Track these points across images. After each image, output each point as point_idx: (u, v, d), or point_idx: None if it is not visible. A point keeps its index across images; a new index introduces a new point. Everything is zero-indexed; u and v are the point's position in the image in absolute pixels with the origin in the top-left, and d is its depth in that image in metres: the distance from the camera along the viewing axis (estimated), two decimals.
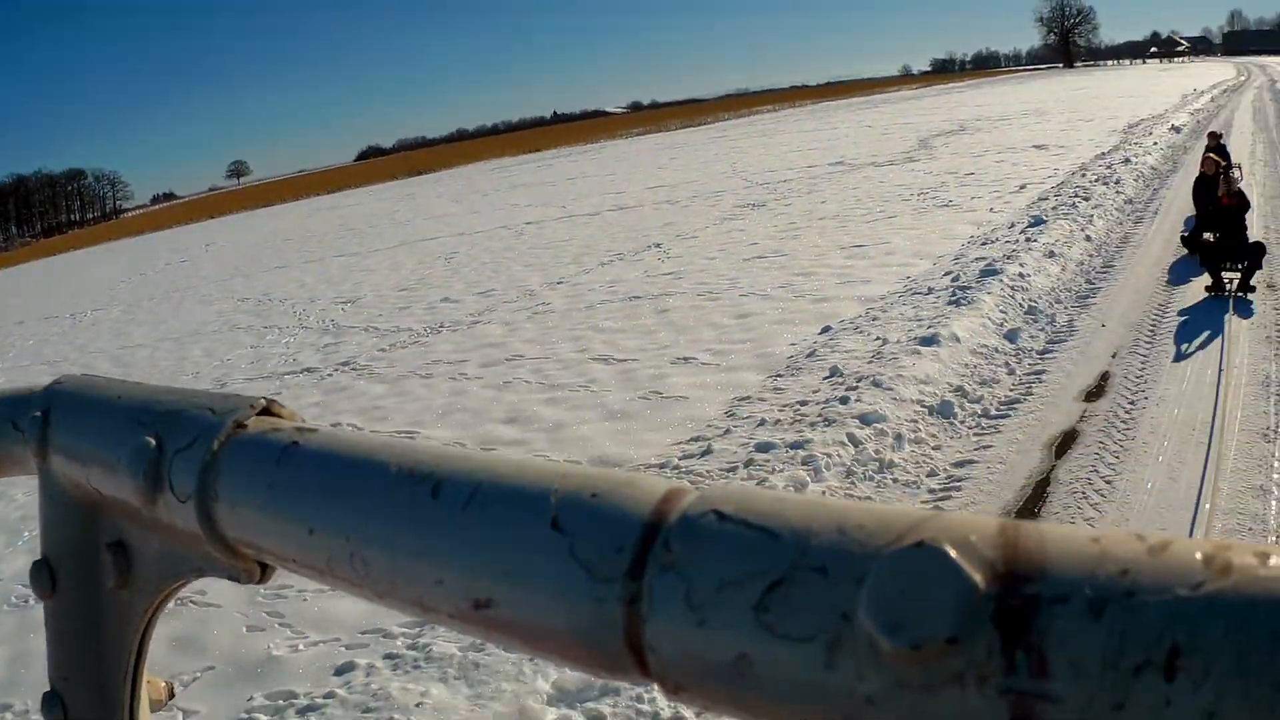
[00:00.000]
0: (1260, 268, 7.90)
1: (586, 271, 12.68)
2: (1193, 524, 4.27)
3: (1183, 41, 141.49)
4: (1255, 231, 8.71)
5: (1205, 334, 6.94)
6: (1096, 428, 5.63)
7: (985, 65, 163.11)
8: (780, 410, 5.79)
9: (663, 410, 6.37)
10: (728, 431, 5.62)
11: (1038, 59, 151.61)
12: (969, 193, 15.12)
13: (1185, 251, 9.12)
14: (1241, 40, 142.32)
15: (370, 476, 0.33)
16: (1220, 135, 12.78)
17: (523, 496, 0.29)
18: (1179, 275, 8.80)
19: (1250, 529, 4.18)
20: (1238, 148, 17.40)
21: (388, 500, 0.32)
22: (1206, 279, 7.91)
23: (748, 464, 5.07)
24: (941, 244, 10.85)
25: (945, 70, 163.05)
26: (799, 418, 5.59)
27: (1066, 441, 5.50)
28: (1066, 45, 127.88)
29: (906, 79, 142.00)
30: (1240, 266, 7.81)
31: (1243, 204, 8.40)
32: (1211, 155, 10.40)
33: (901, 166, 20.60)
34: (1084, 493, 4.82)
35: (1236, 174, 9.23)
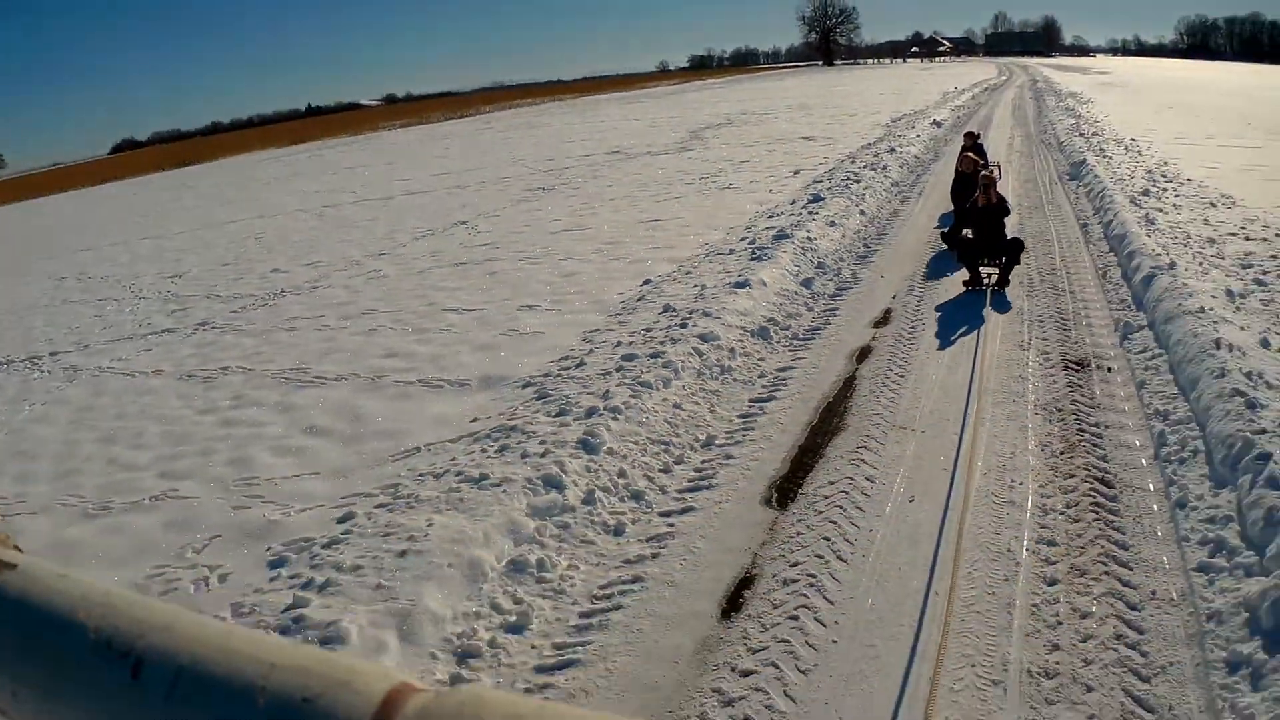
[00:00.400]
0: (1018, 263, 9.69)
1: (403, 245, 15.84)
2: (968, 397, 7.04)
3: (944, 42, 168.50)
4: (1011, 217, 12.42)
5: (969, 278, 10.26)
6: (886, 344, 8.53)
7: (744, 62, 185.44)
8: (630, 335, 8.19)
9: (526, 342, 8.81)
10: (591, 351, 7.94)
11: (797, 56, 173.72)
12: (746, 177, 18.73)
13: (950, 209, 12.67)
14: (1004, 41, 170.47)
15: (65, 642, 0.35)
16: (977, 135, 14.87)
17: (229, 692, 0.33)
18: (945, 221, 12.40)
19: (1007, 397, 7.04)
20: (998, 141, 22.97)
21: (83, 678, 0.35)
22: (965, 273, 9.76)
23: (618, 369, 7.40)
24: (730, 218, 13.92)
25: (703, 66, 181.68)
26: (649, 339, 8.01)
27: (863, 354, 8.33)
28: (827, 44, 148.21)
29: (664, 75, 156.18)
30: (998, 262, 9.61)
31: (1002, 207, 9.99)
32: (969, 155, 12.56)
33: (676, 155, 24.29)
34: (883, 382, 7.58)
35: (996, 172, 11.82)
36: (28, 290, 17.72)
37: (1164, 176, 15.59)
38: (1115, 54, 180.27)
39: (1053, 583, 4.62)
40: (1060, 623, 4.28)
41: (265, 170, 45.63)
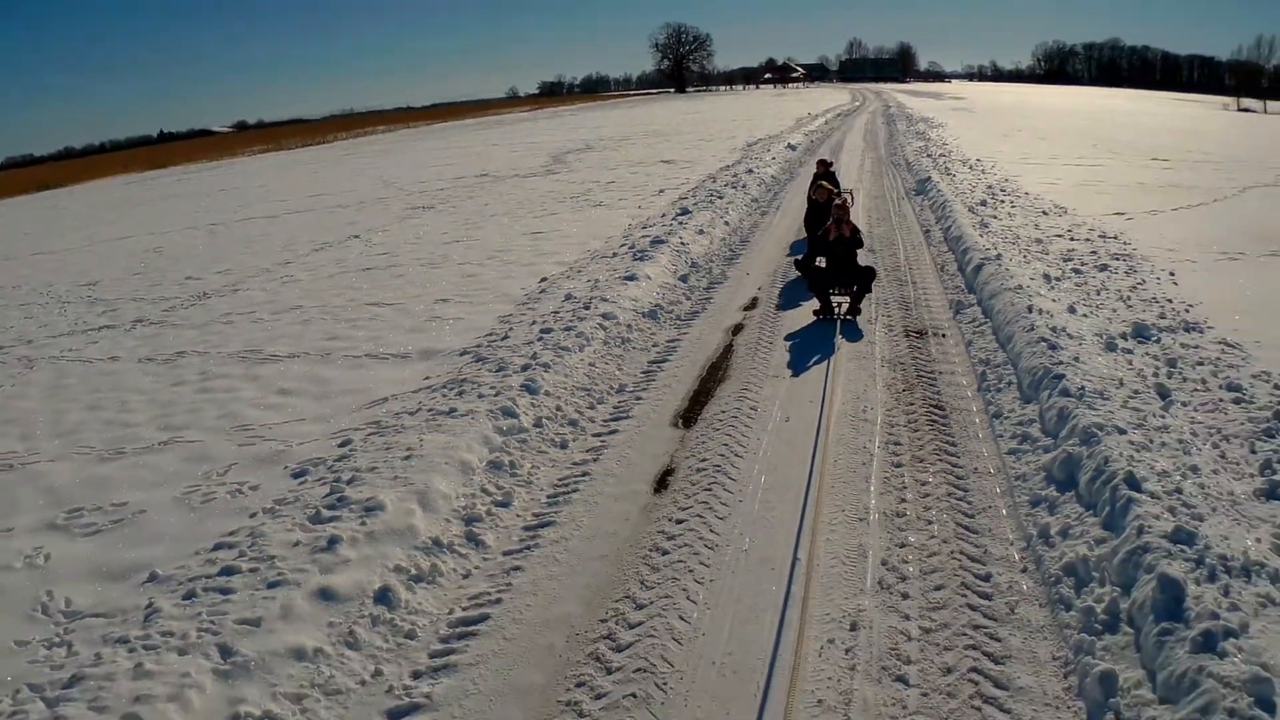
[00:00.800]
0: (870, 291, 10.28)
1: (305, 255, 17.26)
2: (828, 356, 8.91)
3: (798, 68, 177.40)
4: (863, 227, 14.42)
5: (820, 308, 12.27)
6: (755, 322, 10.44)
7: (595, 89, 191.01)
8: (541, 317, 10.00)
9: (449, 326, 10.53)
10: (511, 329, 9.72)
11: (648, 84, 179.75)
12: (615, 195, 20.69)
13: (804, 235, 14.46)
14: (859, 68, 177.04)
15: None
16: (830, 163, 15.88)
17: None
18: (799, 249, 14.48)
19: (859, 356, 8.96)
20: (850, 164, 25.67)
21: None
22: (815, 303, 10.25)
23: (539, 339, 9.15)
24: (607, 229, 15.76)
25: (554, 93, 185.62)
26: (559, 319, 9.81)
27: (737, 329, 10.24)
28: (680, 71, 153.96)
29: (515, 101, 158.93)
30: (850, 291, 10.12)
31: (855, 240, 10.49)
32: (824, 184, 13.32)
33: (543, 178, 26.11)
34: (756, 348, 9.45)
35: (849, 199, 12.93)
36: None
37: (1003, 191, 18.35)
38: (972, 79, 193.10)
39: (898, 465, 6.52)
40: (905, 488, 6.17)
41: (134, 193, 45.69)
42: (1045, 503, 5.76)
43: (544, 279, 12.19)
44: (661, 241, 13.76)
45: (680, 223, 15.64)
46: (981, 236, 13.47)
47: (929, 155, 26.18)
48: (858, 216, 14.63)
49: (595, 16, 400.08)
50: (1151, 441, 6.10)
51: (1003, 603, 4.87)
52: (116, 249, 22.41)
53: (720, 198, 18.80)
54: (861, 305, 10.29)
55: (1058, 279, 10.96)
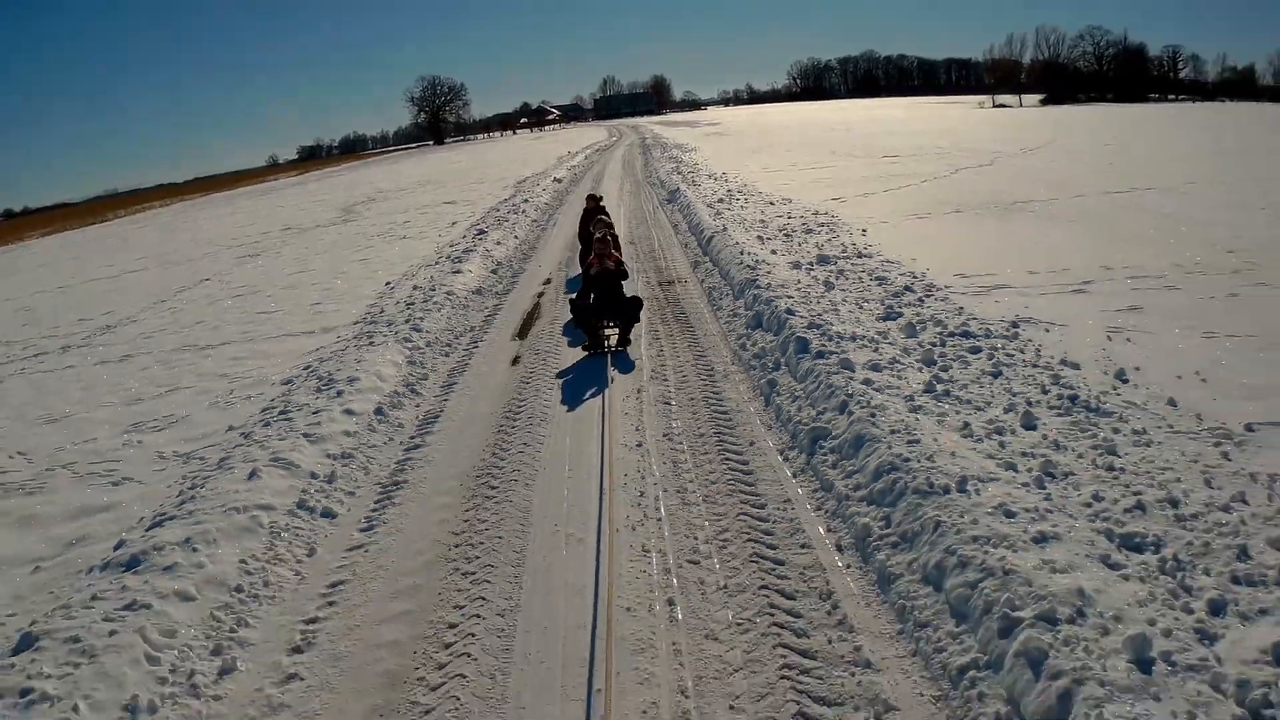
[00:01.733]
0: (638, 320, 11.16)
1: (174, 295, 20.16)
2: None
3: (553, 110, 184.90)
4: (624, 247, 18.86)
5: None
6: (550, 292, 14.83)
7: (353, 149, 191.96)
8: (399, 300, 13.86)
9: (331, 313, 14.27)
10: (383, 310, 13.49)
11: (406, 138, 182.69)
12: (416, 230, 24.65)
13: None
14: (614, 104, 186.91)
15: None
16: (600, 198, 17.46)
17: None
18: (574, 286, 19.03)
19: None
20: (611, 188, 30.55)
21: None
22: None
23: (408, 309, 13.03)
24: (421, 250, 19.79)
25: (314, 156, 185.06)
26: (415, 299, 13.73)
27: (540, 295, 14.60)
28: (437, 122, 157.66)
29: (276, 168, 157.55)
30: (617, 324, 10.99)
31: (619, 272, 11.41)
32: (601, 218, 14.27)
33: (344, 225, 29.76)
34: (553, 303, 13.76)
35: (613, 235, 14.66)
36: None
37: (740, 192, 23.55)
38: (728, 104, 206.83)
39: (658, 339, 11.02)
40: (663, 346, 10.66)
41: None
42: (745, 336, 10.36)
43: (388, 282, 16.03)
44: (471, 251, 17.98)
45: (480, 240, 19.85)
46: (714, 221, 18.36)
47: (679, 174, 31.46)
48: (621, 227, 19.25)
49: (345, 77, 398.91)
50: (810, 302, 10.79)
51: (720, 370, 9.44)
52: None
53: (506, 221, 23.15)
54: (631, 336, 11.01)
55: (769, 239, 15.92)
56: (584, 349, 10.81)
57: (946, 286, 11.34)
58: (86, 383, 12.62)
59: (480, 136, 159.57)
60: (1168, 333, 8.99)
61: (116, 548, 6.42)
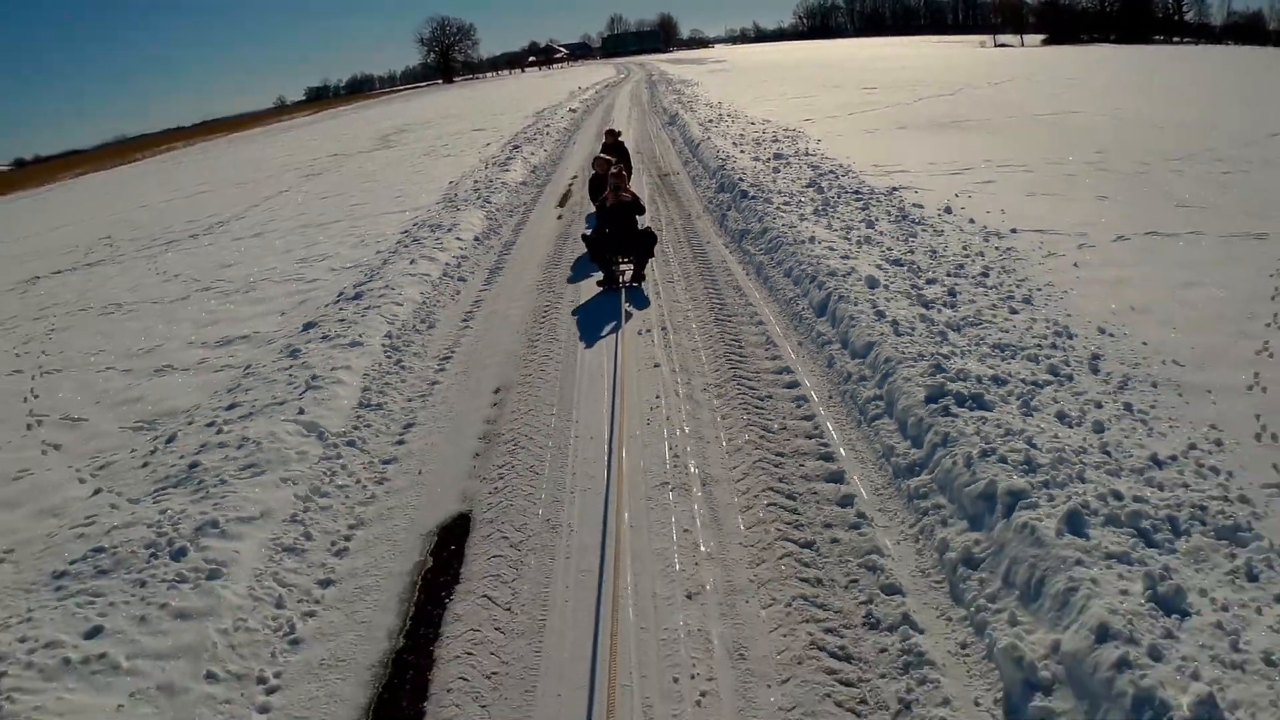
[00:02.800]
0: (652, 255, 11.46)
1: (269, 199, 25.02)
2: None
3: (561, 49, 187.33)
4: (632, 155, 23.94)
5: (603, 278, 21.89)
6: (579, 183, 19.85)
7: (361, 89, 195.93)
8: (465, 191, 18.90)
9: (412, 199, 19.20)
10: (456, 194, 18.54)
11: (414, 78, 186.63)
12: (457, 149, 29.63)
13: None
14: (622, 42, 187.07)
15: None
16: (618, 133, 18.15)
17: None
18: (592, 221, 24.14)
19: (635, 186, 18.51)
20: (620, 116, 35.45)
21: None
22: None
23: (477, 189, 18.13)
24: (468, 163, 24.78)
25: (321, 97, 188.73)
26: (479, 187, 18.82)
27: (571, 182, 19.70)
28: (447, 62, 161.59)
29: (286, 110, 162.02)
30: (631, 260, 11.36)
31: (635, 205, 11.71)
32: (602, 156, 15.18)
33: (387, 150, 34.82)
34: (579, 191, 18.79)
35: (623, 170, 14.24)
36: None
37: (729, 116, 28.37)
38: (736, 42, 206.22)
39: (657, 204, 16.12)
40: (660, 209, 15.77)
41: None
42: (713, 197, 15.52)
43: (450, 181, 21.05)
44: (511, 159, 23.10)
45: (516, 152, 24.91)
46: (703, 133, 23.32)
47: (680, 103, 36.10)
48: (629, 142, 24.16)
49: (349, 17, 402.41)
50: (757, 177, 15.80)
51: (695, 214, 14.61)
52: (63, 238, 28.50)
53: (534, 140, 28.17)
54: (645, 271, 11.38)
55: (741, 145, 20.86)
56: (598, 284, 11.39)
57: (861, 171, 16.29)
58: (236, 250, 17.80)
59: (489, 75, 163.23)
60: (1001, 194, 13.88)
61: (338, 297, 11.60)
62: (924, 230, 11.47)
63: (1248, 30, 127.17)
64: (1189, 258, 9.75)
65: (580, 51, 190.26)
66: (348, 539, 6.01)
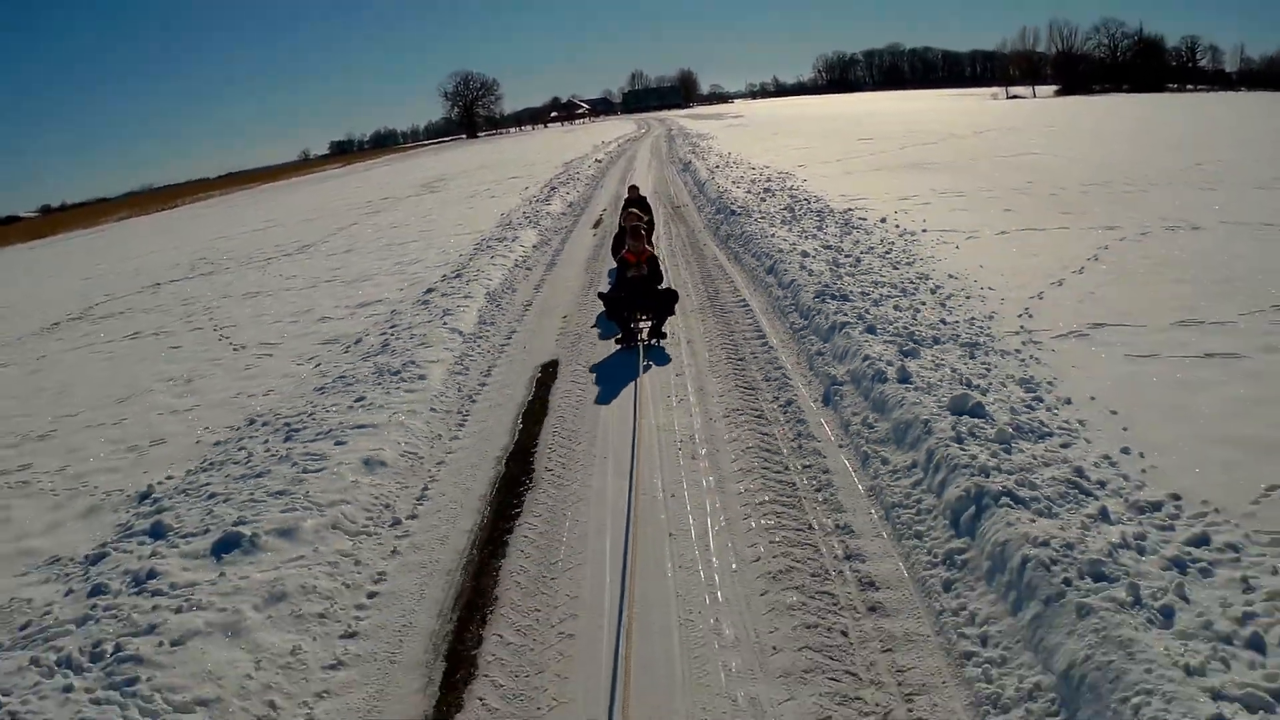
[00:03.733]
0: (672, 313, 11.83)
1: (342, 230, 30.07)
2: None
3: (583, 104, 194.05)
4: (650, 194, 29.34)
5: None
6: (608, 215, 25.07)
7: (385, 143, 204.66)
8: (517, 219, 24.14)
9: (473, 225, 24.42)
10: (510, 222, 23.77)
11: (436, 132, 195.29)
12: (500, 192, 35.03)
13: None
14: (642, 98, 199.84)
15: None
16: (638, 188, 19.61)
17: None
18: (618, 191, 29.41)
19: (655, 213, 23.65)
20: (640, 166, 40.94)
21: None
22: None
23: (524, 219, 23.31)
24: (511, 203, 30.00)
25: (345, 151, 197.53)
26: (530, 215, 24.03)
27: (601, 214, 24.89)
28: (470, 117, 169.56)
29: (311, 163, 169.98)
30: (650, 317, 11.65)
31: (654, 273, 12.08)
32: (634, 210, 16.01)
33: (433, 194, 40.23)
34: (609, 218, 23.97)
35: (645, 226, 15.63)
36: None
37: (734, 163, 33.61)
38: (755, 97, 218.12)
39: (669, 223, 21.24)
40: (672, 228, 20.89)
41: (41, 256, 52.97)
42: (712, 218, 20.59)
43: (501, 214, 26.25)
44: (550, 198, 28.37)
45: (553, 193, 30.19)
46: (709, 176, 28.55)
47: (694, 154, 41.48)
48: (649, 185, 29.61)
49: (371, 73, 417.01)
50: (747, 203, 20.76)
51: (698, 229, 19.72)
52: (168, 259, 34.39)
53: (567, 184, 33.49)
54: (665, 329, 11.52)
55: (739, 183, 25.98)
56: (616, 342, 11.50)
57: (828, 199, 21.22)
58: (336, 260, 22.99)
59: (512, 130, 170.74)
60: (931, 211, 18.76)
61: (442, 279, 16.64)
62: (858, 232, 16.39)
63: (1261, 76, 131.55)
64: (1045, 243, 14.61)
65: (602, 107, 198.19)
66: (491, 369, 11.15)
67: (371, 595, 6.15)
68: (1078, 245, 14.10)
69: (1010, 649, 4.81)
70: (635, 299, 11.40)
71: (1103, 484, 5.95)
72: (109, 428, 10.88)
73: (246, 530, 6.62)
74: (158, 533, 6.96)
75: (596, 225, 22.87)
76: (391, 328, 13.15)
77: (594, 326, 12.75)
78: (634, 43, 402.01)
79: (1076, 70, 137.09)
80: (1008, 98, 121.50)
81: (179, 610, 5.70)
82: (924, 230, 16.24)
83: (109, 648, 5.37)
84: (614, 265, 14.54)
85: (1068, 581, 4.86)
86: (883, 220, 17.43)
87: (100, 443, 10.25)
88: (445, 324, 12.62)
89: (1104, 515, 5.50)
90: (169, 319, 18.52)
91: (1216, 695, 3.99)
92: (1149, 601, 4.64)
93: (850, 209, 19.14)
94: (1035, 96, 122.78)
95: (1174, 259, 12.73)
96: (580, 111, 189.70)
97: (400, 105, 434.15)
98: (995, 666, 4.74)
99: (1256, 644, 4.31)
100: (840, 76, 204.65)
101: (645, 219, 15.48)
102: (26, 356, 17.08)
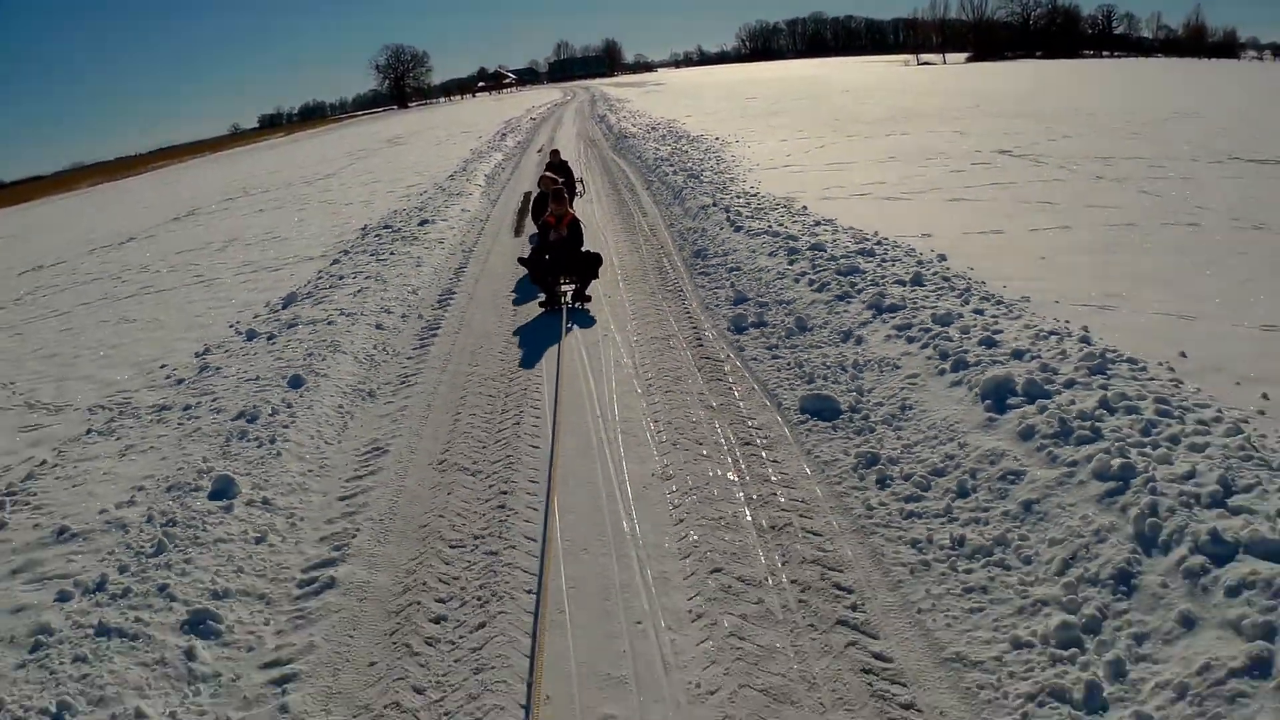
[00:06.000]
0: (596, 277, 12.31)
1: (341, 170, 41.59)
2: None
3: (510, 75, 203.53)
4: (575, 140, 41.62)
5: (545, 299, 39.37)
6: (544, 149, 37.73)
7: (313, 115, 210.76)
8: (485, 151, 36.67)
9: (449, 159, 36.97)
10: (480, 154, 36.32)
11: (365, 104, 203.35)
12: (455, 145, 47.04)
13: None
14: (567, 67, 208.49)
15: None
16: (559, 152, 22.20)
17: None
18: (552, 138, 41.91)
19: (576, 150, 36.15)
20: (567, 124, 53.56)
21: None
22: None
23: (490, 150, 35.87)
24: (470, 146, 42.21)
25: (275, 124, 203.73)
26: (494, 149, 36.63)
27: (539, 151, 37.55)
28: (401, 88, 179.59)
29: (242, 136, 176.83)
30: (574, 280, 12.09)
31: (576, 235, 12.68)
32: (548, 174, 17.60)
33: (398, 148, 52.30)
34: (546, 148, 36.63)
35: (580, 188, 21.33)
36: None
37: (638, 115, 46.21)
38: (679, 66, 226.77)
39: (585, 149, 33.88)
40: (585, 150, 33.57)
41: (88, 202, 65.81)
42: (614, 146, 33.24)
43: (471, 149, 38.52)
44: (502, 142, 40.84)
45: (502, 140, 42.58)
46: (617, 124, 41.12)
47: (610, 111, 53.99)
48: (573, 130, 42.13)
49: (295, 45, 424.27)
50: (637, 135, 33.45)
51: (605, 148, 32.40)
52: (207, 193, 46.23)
53: (512, 133, 45.95)
54: (589, 291, 12.07)
55: (638, 127, 38.47)
56: (540, 305, 12.00)
57: (691, 131, 33.70)
58: (367, 176, 35.18)
59: (441, 100, 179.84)
60: (754, 135, 31.46)
61: (454, 172, 29.12)
62: (695, 143, 28.87)
63: (1180, 44, 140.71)
64: (803, 144, 27.42)
65: (528, 77, 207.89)
66: (501, 193, 24.39)
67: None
68: (820, 143, 27.05)
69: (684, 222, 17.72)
70: (559, 262, 12.05)
71: (734, 163, 18.77)
72: (288, 238, 23.18)
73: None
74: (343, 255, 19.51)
75: (539, 151, 35.02)
76: (439, 190, 25.70)
77: (513, 292, 13.81)
78: (560, 13, 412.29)
79: (987, 39, 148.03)
80: (918, 64, 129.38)
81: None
82: (736, 141, 29.01)
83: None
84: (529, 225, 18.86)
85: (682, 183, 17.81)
86: (717, 139, 30.01)
87: (301, 235, 22.56)
88: (471, 181, 25.39)
89: (697, 178, 18.40)
90: (290, 197, 31.36)
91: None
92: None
93: (701, 134, 31.73)
94: (945, 63, 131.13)
95: (852, 152, 25.76)
96: (507, 81, 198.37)
97: (325, 79, 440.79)
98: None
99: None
100: (763, 45, 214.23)
101: (561, 180, 17.24)
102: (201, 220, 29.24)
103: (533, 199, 17.19)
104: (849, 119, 34.90)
